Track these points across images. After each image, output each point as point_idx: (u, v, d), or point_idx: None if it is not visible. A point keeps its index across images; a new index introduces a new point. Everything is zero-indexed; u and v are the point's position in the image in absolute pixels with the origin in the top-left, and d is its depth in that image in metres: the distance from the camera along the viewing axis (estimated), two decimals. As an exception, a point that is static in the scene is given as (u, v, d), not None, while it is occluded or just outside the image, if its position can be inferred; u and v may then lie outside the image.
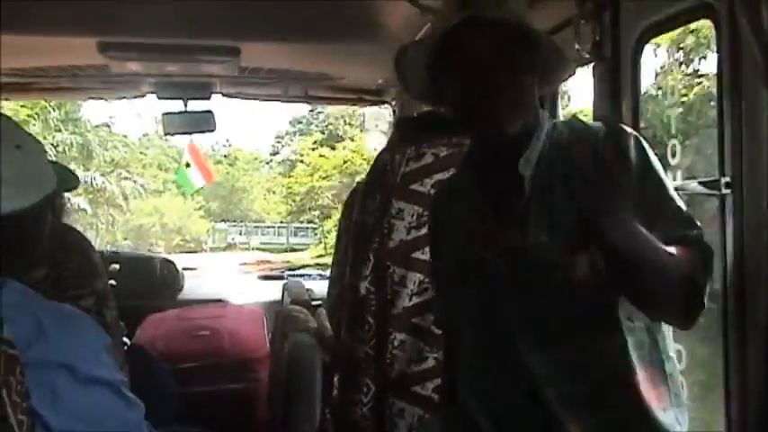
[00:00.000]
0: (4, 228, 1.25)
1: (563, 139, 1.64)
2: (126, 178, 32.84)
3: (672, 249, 1.50)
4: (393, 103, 4.26)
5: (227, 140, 45.07)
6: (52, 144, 25.75)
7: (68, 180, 1.92)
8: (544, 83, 1.68)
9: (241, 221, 39.38)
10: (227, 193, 41.03)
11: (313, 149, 36.07)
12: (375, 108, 4.77)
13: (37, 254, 1.58)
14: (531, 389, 1.59)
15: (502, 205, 1.65)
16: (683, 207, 1.58)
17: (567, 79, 1.80)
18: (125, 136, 37.34)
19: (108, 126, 34.69)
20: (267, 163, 45.75)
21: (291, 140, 45.73)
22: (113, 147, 33.56)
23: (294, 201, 36.34)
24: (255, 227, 38.95)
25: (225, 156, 43.49)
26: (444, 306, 1.92)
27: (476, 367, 1.74)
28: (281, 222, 38.51)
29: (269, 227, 38.86)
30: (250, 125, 78.02)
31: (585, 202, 1.49)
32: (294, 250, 31.37)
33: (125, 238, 32.74)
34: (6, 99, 4.24)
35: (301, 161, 36.56)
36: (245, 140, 65.72)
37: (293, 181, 35.82)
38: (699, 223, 1.57)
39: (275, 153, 46.40)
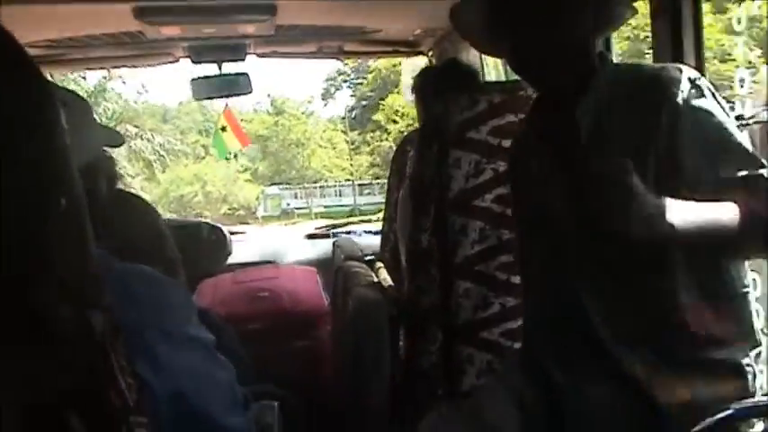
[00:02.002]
0: None
1: (623, 83, 1.61)
2: (160, 145, 30.92)
3: (722, 209, 1.46)
4: (430, 53, 4.21)
5: (269, 95, 38.79)
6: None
7: (113, 137, 1.92)
8: (603, 24, 1.67)
9: (298, 184, 34.90)
10: (277, 149, 36.11)
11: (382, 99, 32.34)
12: (411, 60, 4.71)
13: (103, 217, 1.58)
14: (589, 331, 1.62)
15: (562, 153, 1.66)
16: (746, 145, 1.54)
17: (627, 19, 1.75)
18: (161, 106, 35.86)
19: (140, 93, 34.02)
20: (325, 105, 40.49)
21: (341, 86, 41.25)
22: (150, 114, 32.67)
23: (379, 154, 32.46)
24: (316, 187, 34.56)
25: (269, 111, 37.93)
26: (522, 252, 1.94)
27: (541, 312, 1.79)
28: (345, 180, 34.48)
29: (330, 186, 35.03)
30: (288, 80, 74.72)
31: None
32: (364, 213, 25.79)
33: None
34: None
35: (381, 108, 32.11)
36: (289, 91, 58.91)
37: (376, 136, 32.67)
38: (763, 161, 1.52)
39: (330, 96, 41.00)
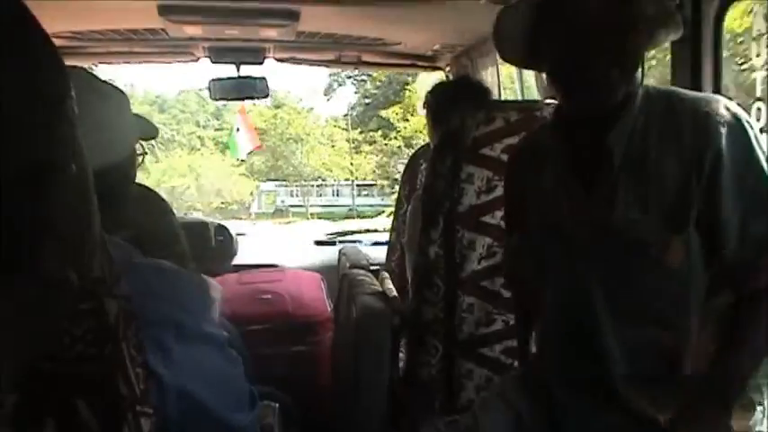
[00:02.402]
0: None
1: (658, 110, 1.57)
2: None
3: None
4: (447, 69, 4.23)
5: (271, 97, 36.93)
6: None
7: (149, 129, 1.93)
8: (649, 43, 1.59)
9: (295, 181, 33.11)
10: (275, 144, 33.01)
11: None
12: (425, 74, 4.72)
13: (125, 210, 1.59)
14: (602, 364, 1.60)
15: (590, 177, 1.61)
16: None
17: (672, 39, 1.69)
18: (157, 96, 34.30)
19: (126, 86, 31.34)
20: (328, 100, 37.36)
21: (344, 82, 39.36)
22: (149, 103, 31.47)
23: (386, 154, 31.01)
24: (313, 185, 32.88)
25: (268, 104, 33.96)
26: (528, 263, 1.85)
27: (553, 337, 1.75)
28: (345, 180, 32.73)
29: (328, 185, 33.46)
30: (290, 73, 69.64)
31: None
32: (362, 215, 26.14)
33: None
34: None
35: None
36: (290, 84, 55.14)
37: (381, 134, 30.52)
38: None
39: (332, 90, 39.12)
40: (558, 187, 1.67)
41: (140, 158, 1.88)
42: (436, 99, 3.00)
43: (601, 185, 1.59)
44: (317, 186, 33.79)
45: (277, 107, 33.97)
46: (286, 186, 33.64)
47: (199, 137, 34.13)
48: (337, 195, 33.39)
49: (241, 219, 26.71)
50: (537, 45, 1.61)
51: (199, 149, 33.31)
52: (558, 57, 1.56)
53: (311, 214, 28.24)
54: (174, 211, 2.20)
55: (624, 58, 1.50)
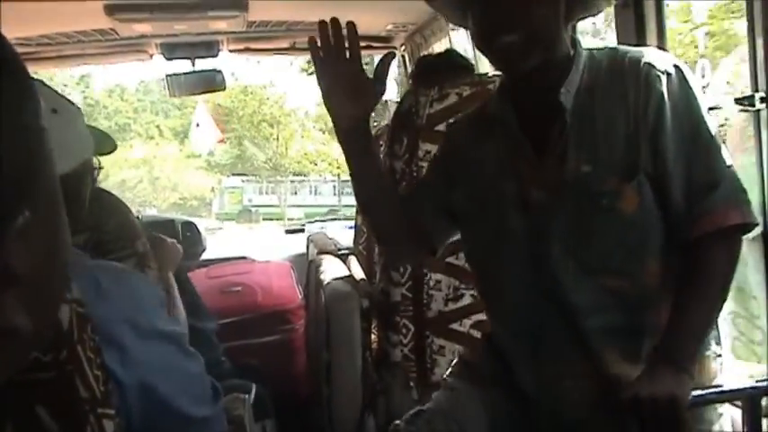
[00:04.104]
0: None
1: (601, 67, 1.62)
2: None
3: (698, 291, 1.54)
4: (402, 48, 4.23)
5: (233, 74, 24.04)
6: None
7: (106, 144, 1.93)
8: (576, 9, 1.63)
9: (269, 177, 26.92)
10: (243, 128, 26.61)
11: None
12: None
13: (78, 219, 1.59)
14: (571, 318, 1.61)
15: (541, 136, 1.64)
16: (718, 145, 1.58)
17: (603, 9, 1.74)
18: (117, 85, 29.71)
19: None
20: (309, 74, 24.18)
21: None
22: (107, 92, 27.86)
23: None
24: (284, 181, 26.68)
25: (235, 74, 25.19)
26: (474, 240, 1.84)
27: (514, 300, 1.72)
28: (330, 175, 26.29)
29: (304, 181, 27.29)
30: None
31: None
32: (349, 218, 18.30)
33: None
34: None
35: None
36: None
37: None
38: (729, 163, 1.57)
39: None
40: (509, 151, 1.68)
41: (96, 172, 1.88)
42: (418, 72, 2.99)
43: (553, 144, 1.62)
44: (291, 182, 27.59)
45: (242, 92, 26.64)
46: (256, 182, 27.84)
47: (157, 126, 29.55)
48: (315, 194, 27.41)
49: (202, 216, 23.55)
50: (461, 15, 1.68)
51: (153, 138, 28.82)
52: (473, 28, 1.62)
53: (289, 219, 22.25)
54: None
55: (537, 27, 1.55)
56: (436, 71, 2.75)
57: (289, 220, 21.61)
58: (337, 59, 1.66)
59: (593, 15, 1.73)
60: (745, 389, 1.54)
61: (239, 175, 27.83)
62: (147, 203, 26.28)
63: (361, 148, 1.75)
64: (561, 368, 1.65)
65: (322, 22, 1.68)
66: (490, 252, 1.75)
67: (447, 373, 1.92)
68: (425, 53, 3.92)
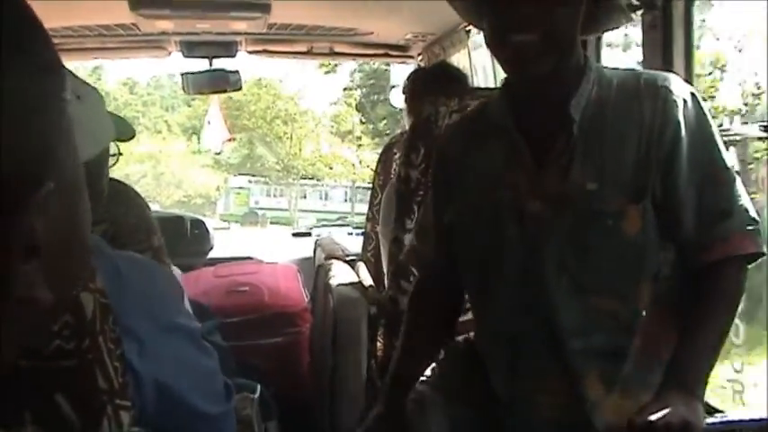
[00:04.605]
0: None
1: (612, 85, 1.62)
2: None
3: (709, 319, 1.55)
4: (419, 58, 4.25)
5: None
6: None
7: (125, 130, 1.93)
8: (591, 25, 1.63)
9: (280, 179, 25.29)
10: (254, 124, 24.57)
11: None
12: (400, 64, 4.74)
13: (97, 207, 1.60)
14: (554, 335, 1.60)
15: (543, 146, 1.62)
16: (732, 173, 1.59)
17: (621, 25, 1.75)
18: (128, 78, 29.02)
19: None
20: (326, 73, 23.54)
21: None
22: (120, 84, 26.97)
23: None
24: (295, 184, 24.99)
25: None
26: (466, 247, 1.79)
27: (499, 310, 1.70)
28: (347, 180, 24.58)
29: (327, 186, 25.51)
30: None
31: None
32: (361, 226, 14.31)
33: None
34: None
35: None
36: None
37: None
38: (743, 193, 1.59)
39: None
40: (509, 160, 1.66)
41: (114, 158, 1.89)
42: (413, 86, 3.00)
43: (556, 156, 1.60)
44: (309, 186, 25.86)
45: (257, 87, 24.40)
46: (266, 184, 26.01)
47: (166, 121, 28.72)
48: (326, 199, 25.58)
49: (206, 215, 22.68)
50: (477, 17, 1.68)
51: (161, 133, 27.89)
52: (490, 23, 1.60)
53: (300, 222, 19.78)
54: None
55: (552, 31, 1.53)
56: (429, 85, 2.78)
57: (298, 222, 20.35)
58: None
59: (608, 31, 1.73)
60: (760, 419, 1.54)
61: (247, 174, 26.42)
62: (149, 199, 24.89)
63: None
64: (536, 383, 1.63)
65: None
66: (481, 260, 1.72)
67: (420, 381, 1.88)
68: (421, 65, 3.96)
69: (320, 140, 25.14)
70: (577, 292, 1.58)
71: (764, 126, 1.77)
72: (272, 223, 21.19)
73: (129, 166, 23.91)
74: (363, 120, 25.19)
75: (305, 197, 25.65)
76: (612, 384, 1.58)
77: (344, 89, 25.10)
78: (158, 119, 28.99)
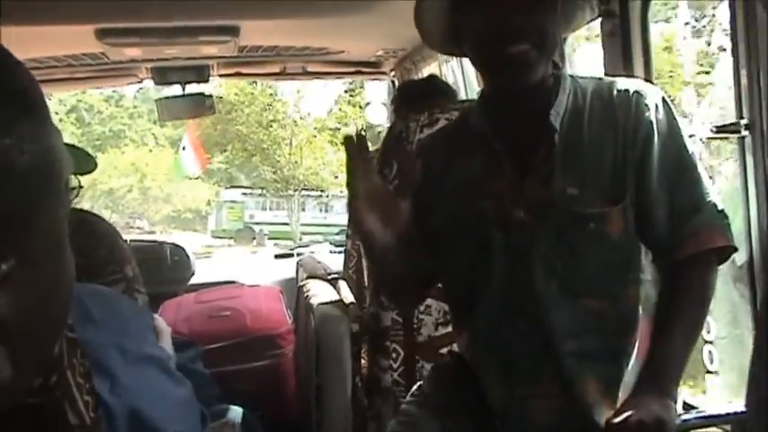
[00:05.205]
0: None
1: (586, 93, 1.65)
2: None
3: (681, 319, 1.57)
4: (392, 74, 4.26)
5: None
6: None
7: (85, 163, 1.92)
8: (563, 26, 1.69)
9: (279, 190, 22.80)
10: (248, 129, 21.86)
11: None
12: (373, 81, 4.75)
13: None
14: (548, 342, 1.61)
15: (523, 155, 1.64)
16: (700, 172, 1.62)
17: (585, 23, 1.81)
18: (114, 91, 27.10)
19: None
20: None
21: None
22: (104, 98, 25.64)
23: None
24: (293, 195, 22.36)
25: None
26: (450, 257, 1.78)
27: (488, 318, 1.69)
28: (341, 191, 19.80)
29: (321, 195, 22.92)
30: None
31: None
32: None
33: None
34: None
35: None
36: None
37: None
38: (711, 190, 1.62)
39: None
40: (490, 169, 1.68)
41: (75, 192, 1.86)
42: (398, 100, 2.99)
43: (538, 164, 1.62)
44: (312, 198, 23.30)
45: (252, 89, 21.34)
46: (261, 196, 23.88)
47: (153, 134, 27.61)
48: (326, 211, 23.32)
49: (196, 230, 23.20)
50: (457, 28, 1.67)
51: (147, 145, 26.77)
52: (476, 41, 1.62)
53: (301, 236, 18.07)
54: (115, 219, 2.18)
55: (543, 37, 1.57)
56: (420, 96, 2.77)
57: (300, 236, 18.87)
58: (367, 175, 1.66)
59: (572, 32, 1.75)
60: (734, 413, 1.55)
61: (240, 187, 24.79)
62: (136, 216, 24.66)
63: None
64: (530, 389, 1.64)
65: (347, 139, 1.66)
66: (467, 270, 1.72)
67: (407, 398, 1.90)
68: (409, 79, 3.96)
69: (324, 145, 22.42)
70: (567, 295, 1.60)
71: (716, 127, 1.81)
72: (271, 238, 19.73)
73: (112, 180, 23.97)
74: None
75: (303, 209, 23.51)
76: (606, 386, 1.60)
77: (345, 91, 23.17)
78: (146, 131, 27.92)
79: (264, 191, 23.82)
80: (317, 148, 22.34)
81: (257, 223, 23.16)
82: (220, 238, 21.62)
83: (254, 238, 20.94)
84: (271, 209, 24.05)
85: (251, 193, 24.43)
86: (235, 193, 24.59)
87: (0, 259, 0.61)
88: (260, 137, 22.18)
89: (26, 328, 0.66)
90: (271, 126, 22.10)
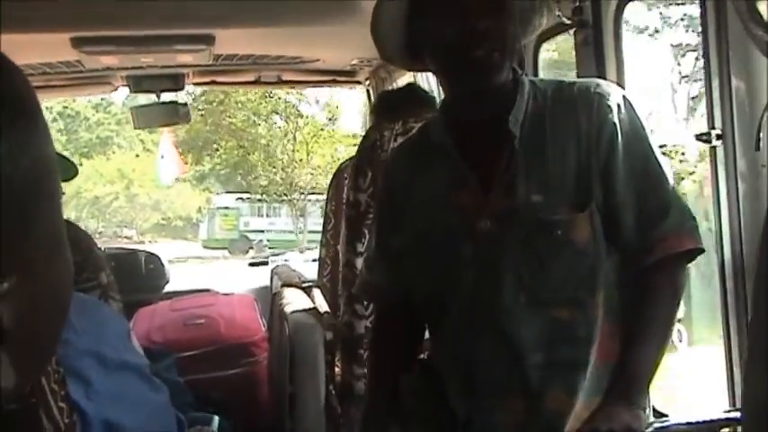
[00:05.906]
0: None
1: (546, 96, 1.64)
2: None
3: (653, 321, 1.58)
4: (367, 83, 4.28)
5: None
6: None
7: (67, 169, 1.92)
8: (521, 30, 1.66)
9: (280, 195, 20.49)
10: (243, 128, 19.45)
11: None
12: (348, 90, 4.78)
13: None
14: (514, 354, 1.59)
15: (486, 164, 1.63)
16: (666, 174, 1.62)
17: (542, 27, 1.79)
18: (103, 99, 25.30)
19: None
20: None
21: None
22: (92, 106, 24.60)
23: None
24: (296, 200, 20.04)
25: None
26: (417, 271, 1.76)
27: (455, 330, 1.69)
28: None
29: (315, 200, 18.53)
30: None
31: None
32: None
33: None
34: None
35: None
36: None
37: None
38: (678, 197, 1.63)
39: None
40: (453, 182, 1.66)
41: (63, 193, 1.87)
42: (379, 107, 3.00)
43: (500, 173, 1.61)
44: (313, 202, 19.29)
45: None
46: (258, 202, 21.46)
47: (141, 140, 25.66)
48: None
49: (187, 239, 21.79)
50: (417, 36, 1.65)
51: (134, 150, 25.45)
52: (435, 48, 1.61)
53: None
54: (101, 229, 2.19)
55: (502, 40, 1.56)
56: (399, 105, 2.78)
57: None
58: None
59: (531, 37, 1.76)
60: (703, 421, 1.56)
61: (234, 192, 22.48)
62: (123, 224, 23.57)
63: None
64: (495, 401, 1.63)
65: None
66: (435, 283, 1.71)
67: None
68: (389, 87, 3.97)
69: (333, 140, 19.34)
70: (535, 305, 1.59)
71: (700, 134, 1.82)
72: (271, 248, 16.26)
73: (98, 187, 22.93)
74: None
75: (302, 215, 20.76)
76: (570, 394, 1.59)
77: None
78: (134, 137, 26.39)
79: (263, 194, 21.23)
80: (326, 144, 19.45)
81: (253, 231, 21.40)
82: (212, 248, 20.09)
83: (251, 248, 19.27)
84: (268, 215, 22.22)
85: (247, 198, 22.25)
86: (229, 199, 22.70)
87: (1, 277, 0.62)
88: (258, 131, 19.82)
89: (29, 334, 0.68)
90: (271, 117, 19.60)
